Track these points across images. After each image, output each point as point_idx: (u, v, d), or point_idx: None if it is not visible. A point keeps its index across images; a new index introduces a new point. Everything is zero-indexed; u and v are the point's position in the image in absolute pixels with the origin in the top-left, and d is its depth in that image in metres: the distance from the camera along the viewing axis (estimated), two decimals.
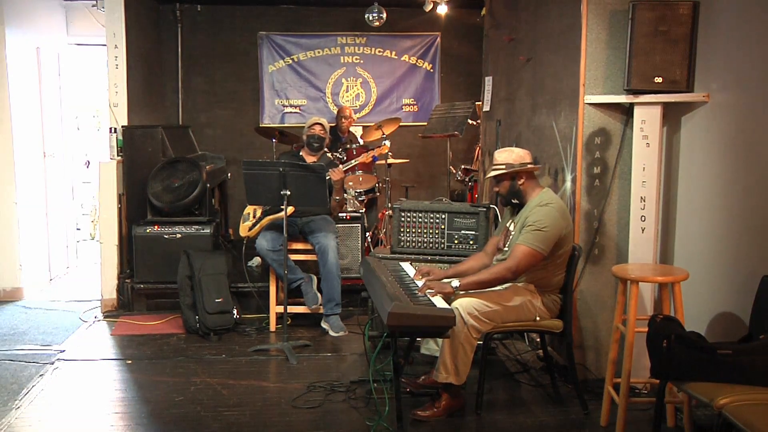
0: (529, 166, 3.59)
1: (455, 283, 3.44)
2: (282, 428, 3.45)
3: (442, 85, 7.99)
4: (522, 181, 3.59)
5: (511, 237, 3.61)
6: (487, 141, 5.66)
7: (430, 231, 4.25)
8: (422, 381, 3.79)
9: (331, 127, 5.65)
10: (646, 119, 3.70)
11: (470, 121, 6.20)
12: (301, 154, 5.23)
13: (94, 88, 8.10)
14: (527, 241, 3.41)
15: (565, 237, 3.49)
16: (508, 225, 3.70)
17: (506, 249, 3.61)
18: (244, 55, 7.76)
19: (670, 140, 3.81)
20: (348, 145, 6.48)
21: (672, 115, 3.77)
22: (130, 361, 4.38)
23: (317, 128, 5.13)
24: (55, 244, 6.59)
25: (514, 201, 3.64)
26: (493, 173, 3.63)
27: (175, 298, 5.10)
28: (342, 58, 7.87)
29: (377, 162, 6.54)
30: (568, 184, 3.99)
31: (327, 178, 4.67)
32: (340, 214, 5.46)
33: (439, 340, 3.69)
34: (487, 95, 5.61)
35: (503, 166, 3.59)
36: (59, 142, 6.80)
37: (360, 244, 5.55)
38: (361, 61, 7.89)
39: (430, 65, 7.97)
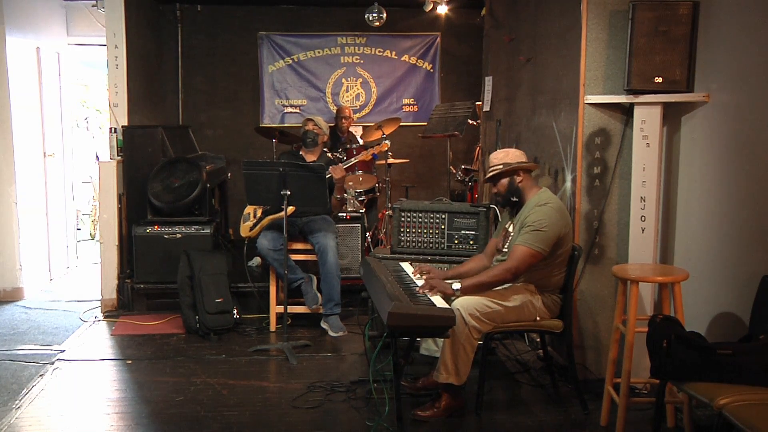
0: (525, 164, 3.63)
1: (456, 285, 3.44)
2: (282, 428, 3.45)
3: (442, 85, 7.99)
4: (520, 179, 3.62)
5: (510, 238, 3.62)
6: (487, 141, 5.66)
7: (430, 231, 4.24)
8: (421, 383, 3.79)
9: (330, 127, 5.65)
10: (646, 119, 3.70)
11: (470, 121, 6.20)
12: (301, 153, 5.25)
13: (95, 88, 8.12)
14: (527, 242, 3.42)
15: (565, 236, 3.50)
16: (507, 226, 3.71)
17: (505, 249, 3.62)
18: (244, 55, 7.76)
19: (670, 140, 3.81)
20: (348, 145, 6.48)
21: (672, 115, 3.76)
22: (130, 361, 4.39)
23: (309, 124, 5.21)
24: (55, 244, 6.59)
25: (513, 199, 3.65)
26: (491, 173, 3.65)
27: (175, 298, 5.10)
28: (342, 58, 7.87)
29: (377, 162, 6.53)
30: (568, 184, 3.99)
31: (328, 176, 4.69)
32: (340, 214, 5.47)
33: (439, 341, 3.69)
34: (487, 95, 5.60)
35: (501, 166, 3.62)
36: (59, 142, 6.80)
37: (360, 244, 5.55)
38: (361, 61, 7.89)
39: (430, 65, 7.97)
